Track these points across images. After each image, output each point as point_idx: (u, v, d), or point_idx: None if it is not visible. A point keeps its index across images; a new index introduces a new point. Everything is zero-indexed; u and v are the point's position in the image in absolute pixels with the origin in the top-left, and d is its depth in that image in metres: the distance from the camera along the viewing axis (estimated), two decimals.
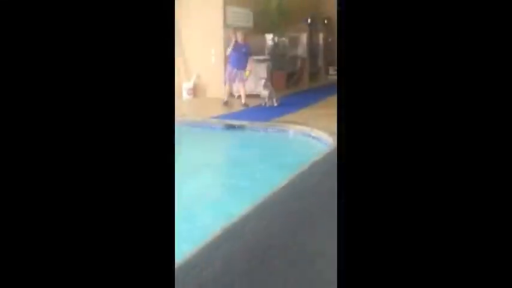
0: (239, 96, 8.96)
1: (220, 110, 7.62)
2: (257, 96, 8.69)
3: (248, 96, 8.84)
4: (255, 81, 8.90)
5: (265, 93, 7.84)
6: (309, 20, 11.34)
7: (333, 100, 7.57)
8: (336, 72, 11.26)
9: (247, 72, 8.21)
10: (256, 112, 7.39)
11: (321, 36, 12.26)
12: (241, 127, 6.55)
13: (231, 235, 2.73)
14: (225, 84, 8.14)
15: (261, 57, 9.42)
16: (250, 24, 9.90)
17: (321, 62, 12.47)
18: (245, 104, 7.98)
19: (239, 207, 3.14)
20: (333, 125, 3.56)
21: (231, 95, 8.19)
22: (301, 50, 10.96)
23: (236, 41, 7.87)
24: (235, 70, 7.92)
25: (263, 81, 7.99)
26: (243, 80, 8.01)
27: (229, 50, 7.85)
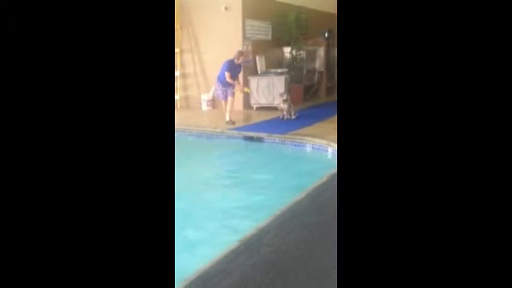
0: (257, 108, 9.02)
1: (238, 122, 7.68)
2: (275, 108, 8.76)
3: (265, 108, 8.90)
4: (273, 93, 8.97)
5: (284, 106, 7.89)
6: (327, 34, 11.38)
7: None
8: None
9: (246, 89, 8.12)
10: (274, 125, 7.43)
11: None
12: (259, 139, 6.61)
13: (249, 246, 2.76)
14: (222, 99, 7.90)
15: (279, 70, 9.49)
16: (269, 37, 10.00)
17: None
18: (230, 121, 7.55)
19: None
20: None
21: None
22: (319, 63, 11.00)
23: (233, 60, 7.64)
24: (224, 88, 7.70)
25: (285, 95, 8.00)
26: (233, 95, 7.76)
27: (226, 74, 7.57)
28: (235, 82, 7.70)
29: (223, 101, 7.80)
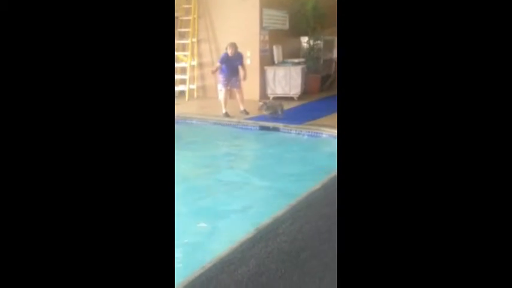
0: (274, 98, 9.00)
1: (255, 112, 7.68)
2: (291, 98, 8.75)
3: (282, 98, 8.88)
4: (289, 84, 8.94)
5: (267, 112, 7.32)
6: None
7: None
8: None
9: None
10: (290, 114, 7.44)
11: None
12: (275, 129, 6.61)
13: (265, 236, 2.79)
14: (222, 91, 7.66)
15: (296, 60, 9.45)
16: (286, 26, 9.94)
17: None
18: (245, 111, 7.52)
19: None
20: None
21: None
22: (336, 53, 10.92)
23: (227, 54, 7.41)
24: (230, 79, 7.55)
25: (264, 106, 7.36)
26: (240, 86, 7.67)
27: (218, 64, 7.50)
28: (237, 79, 7.52)
29: (224, 89, 7.59)
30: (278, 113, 7.30)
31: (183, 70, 9.74)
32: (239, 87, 7.65)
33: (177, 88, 9.77)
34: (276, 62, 9.42)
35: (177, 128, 6.96)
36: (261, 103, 7.51)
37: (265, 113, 7.33)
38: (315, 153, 5.73)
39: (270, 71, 9.13)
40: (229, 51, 7.37)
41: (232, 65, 7.49)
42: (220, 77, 7.62)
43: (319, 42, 10.13)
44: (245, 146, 6.49)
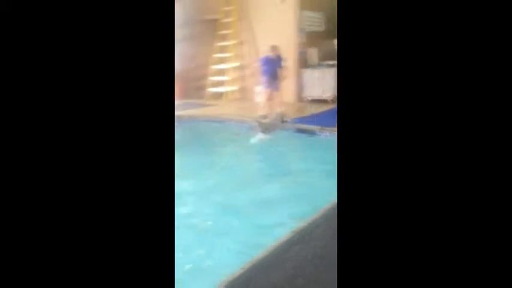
0: (309, 101, 9.07)
1: (292, 114, 7.75)
2: (324, 101, 8.76)
3: (318, 101, 8.94)
4: (324, 85, 8.97)
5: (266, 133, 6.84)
6: None
7: None
8: None
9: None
10: (325, 117, 7.50)
11: None
12: (311, 132, 6.71)
13: (300, 239, 2.90)
14: (261, 93, 7.71)
15: (331, 62, 9.46)
16: (322, 28, 9.95)
17: None
18: (282, 114, 7.46)
19: None
20: None
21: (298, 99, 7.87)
22: None
23: (268, 57, 7.46)
24: (272, 81, 7.54)
25: (261, 124, 6.89)
26: (279, 89, 7.67)
27: (260, 65, 7.63)
28: (276, 81, 7.57)
29: (265, 91, 7.63)
30: (283, 121, 7.12)
31: (222, 72, 9.92)
32: (278, 89, 7.78)
33: (217, 89, 9.96)
34: (311, 64, 9.46)
35: (215, 126, 7.16)
36: (255, 123, 6.97)
37: (264, 134, 6.70)
38: None
39: (305, 73, 9.17)
40: (271, 54, 7.46)
41: (273, 67, 7.60)
42: (263, 79, 7.73)
43: None
44: (280, 147, 6.61)
